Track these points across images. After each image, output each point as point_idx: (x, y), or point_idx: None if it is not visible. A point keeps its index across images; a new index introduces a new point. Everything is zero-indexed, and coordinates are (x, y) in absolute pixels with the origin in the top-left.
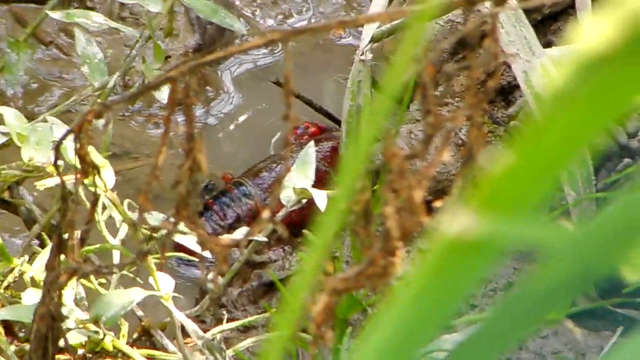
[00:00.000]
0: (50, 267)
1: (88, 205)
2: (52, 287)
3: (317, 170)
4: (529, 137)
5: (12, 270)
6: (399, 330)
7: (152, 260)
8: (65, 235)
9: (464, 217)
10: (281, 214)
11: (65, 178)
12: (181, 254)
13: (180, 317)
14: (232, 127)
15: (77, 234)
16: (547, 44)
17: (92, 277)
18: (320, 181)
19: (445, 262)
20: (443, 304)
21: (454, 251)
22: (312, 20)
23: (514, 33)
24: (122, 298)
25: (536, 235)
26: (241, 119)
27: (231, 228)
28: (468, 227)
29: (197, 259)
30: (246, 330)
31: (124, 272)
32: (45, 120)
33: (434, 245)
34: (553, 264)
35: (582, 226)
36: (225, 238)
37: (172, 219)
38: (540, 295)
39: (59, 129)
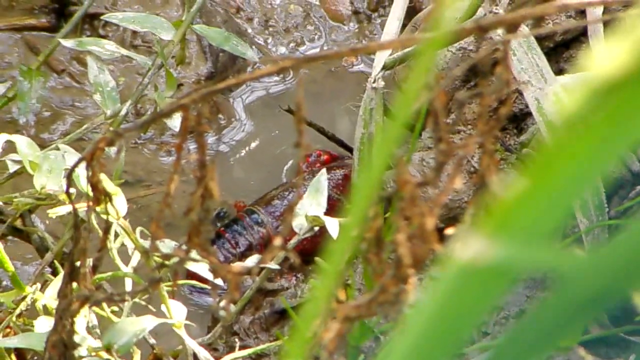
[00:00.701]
0: (62, 294)
1: (100, 233)
2: (64, 314)
3: (329, 198)
4: (542, 163)
5: (24, 298)
6: (412, 358)
7: (164, 288)
8: (78, 263)
9: (476, 243)
10: (293, 241)
11: (77, 206)
12: (194, 282)
13: (192, 344)
14: (244, 154)
15: (90, 261)
16: (559, 72)
17: (104, 305)
18: (332, 209)
19: (458, 288)
20: (456, 331)
21: (467, 277)
22: (324, 48)
23: (526, 60)
24: (134, 326)
25: (549, 262)
26: (253, 146)
27: (243, 256)
28: (481, 253)
29: (209, 287)
30: (258, 358)
31: (136, 299)
32: (57, 148)
33: (446, 272)
34: (565, 290)
35: (594, 253)
36: (237, 265)
37: (184, 247)
38: (552, 322)
39: (71, 157)
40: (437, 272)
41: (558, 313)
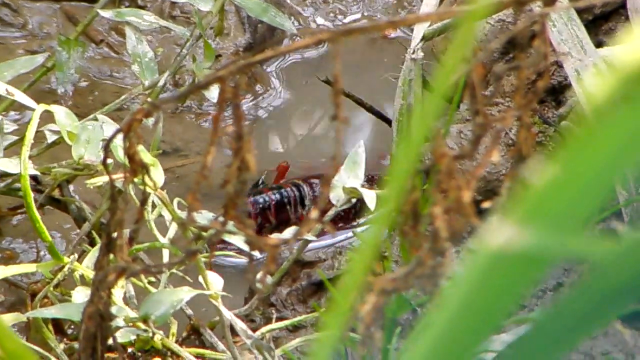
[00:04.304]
0: (99, 266)
1: (138, 203)
2: (101, 286)
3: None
4: (579, 144)
5: (62, 268)
6: (449, 332)
7: (201, 259)
8: (115, 234)
9: (506, 229)
10: (331, 213)
11: (115, 176)
12: (229, 253)
13: (229, 316)
14: (279, 121)
15: (127, 232)
16: (598, 44)
17: (141, 276)
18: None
19: (490, 271)
20: (491, 309)
21: (497, 263)
22: (364, 16)
23: (565, 32)
24: (171, 297)
25: (580, 249)
26: (289, 113)
27: (280, 224)
28: (510, 240)
29: (243, 257)
30: (295, 329)
31: (174, 270)
32: (95, 119)
33: (478, 255)
34: (602, 275)
35: (627, 240)
36: (274, 237)
37: (221, 218)
38: (592, 301)
39: (109, 127)
40: (474, 245)
41: (597, 294)
